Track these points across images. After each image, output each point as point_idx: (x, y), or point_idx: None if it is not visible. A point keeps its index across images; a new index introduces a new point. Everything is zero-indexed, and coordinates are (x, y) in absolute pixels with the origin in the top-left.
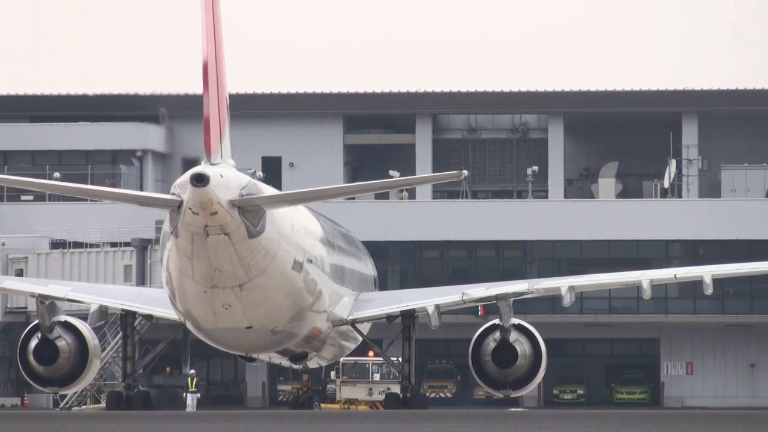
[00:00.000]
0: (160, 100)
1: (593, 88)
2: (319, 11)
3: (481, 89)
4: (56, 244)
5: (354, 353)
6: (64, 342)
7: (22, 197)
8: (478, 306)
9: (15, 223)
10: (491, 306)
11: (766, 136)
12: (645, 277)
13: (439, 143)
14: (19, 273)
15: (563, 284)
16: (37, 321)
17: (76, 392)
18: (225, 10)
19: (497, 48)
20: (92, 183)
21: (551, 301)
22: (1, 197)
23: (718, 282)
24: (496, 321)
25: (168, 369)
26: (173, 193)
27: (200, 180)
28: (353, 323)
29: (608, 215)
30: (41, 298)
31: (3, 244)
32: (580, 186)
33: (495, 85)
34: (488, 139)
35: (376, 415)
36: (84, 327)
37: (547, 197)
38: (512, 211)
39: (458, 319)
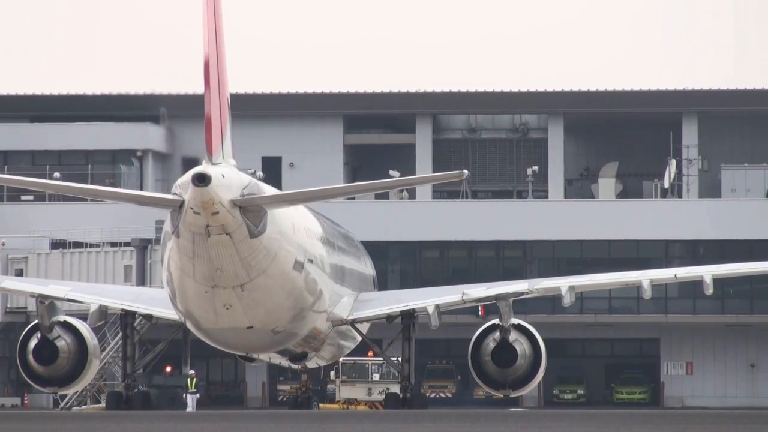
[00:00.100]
0: (160, 100)
1: (593, 88)
2: (319, 11)
3: (481, 89)
4: (56, 244)
5: (354, 353)
6: (63, 342)
7: (22, 197)
8: (478, 306)
9: (15, 223)
10: (491, 306)
11: (766, 136)
12: (645, 277)
13: (439, 143)
14: (19, 273)
15: (563, 284)
16: (36, 321)
17: (76, 392)
18: (225, 11)
19: (497, 48)
20: (92, 183)
21: (551, 301)
22: (1, 197)
23: (718, 282)
24: (496, 321)
25: (168, 369)
26: (174, 193)
27: (202, 180)
28: (353, 323)
29: (608, 215)
30: (41, 298)
31: (3, 244)
32: (580, 186)
33: (495, 85)
34: (488, 139)
35: (376, 415)
36: (83, 327)
37: (547, 197)
38: (512, 211)
39: (458, 319)
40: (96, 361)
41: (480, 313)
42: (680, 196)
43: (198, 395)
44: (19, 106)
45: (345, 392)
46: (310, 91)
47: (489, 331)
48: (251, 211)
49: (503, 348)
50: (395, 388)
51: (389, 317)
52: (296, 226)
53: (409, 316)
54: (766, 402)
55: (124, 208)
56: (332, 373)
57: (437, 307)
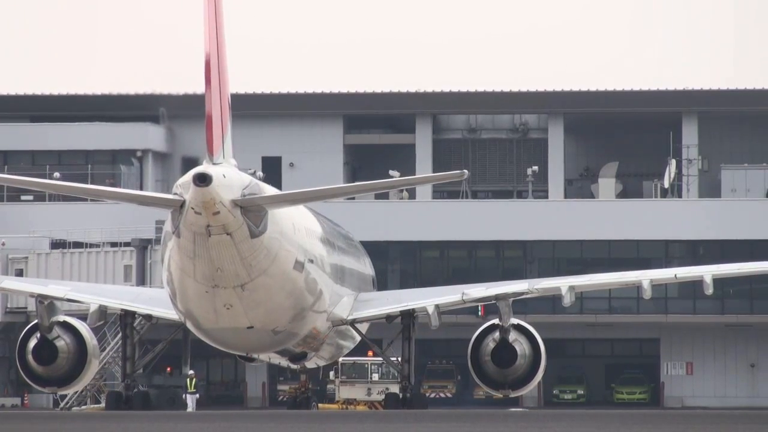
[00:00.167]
0: (160, 100)
1: (593, 88)
2: (319, 11)
3: (481, 89)
4: (56, 244)
5: (353, 353)
6: (63, 342)
7: (22, 197)
8: (478, 306)
9: (15, 223)
10: (491, 306)
11: (766, 136)
12: (645, 277)
13: (439, 143)
14: (19, 273)
15: (563, 284)
16: (35, 321)
17: (76, 392)
18: (225, 11)
19: (497, 48)
20: (92, 183)
21: (551, 301)
22: (1, 197)
23: (718, 282)
24: (495, 321)
25: (168, 369)
26: (175, 193)
27: (203, 180)
28: (353, 323)
29: (608, 215)
30: (40, 298)
31: (3, 244)
32: (580, 186)
33: (495, 85)
34: (488, 139)
35: (376, 415)
36: (83, 327)
37: (547, 197)
38: (512, 211)
39: (458, 319)
40: (95, 361)
41: (480, 313)
42: (680, 196)
43: (197, 395)
44: (19, 106)
45: (344, 392)
46: (310, 91)
47: (488, 331)
48: (252, 211)
49: (503, 348)
50: (394, 388)
51: (389, 317)
52: (296, 226)
53: (408, 316)
54: (766, 402)
55: (124, 209)
56: (332, 373)
57: (437, 307)
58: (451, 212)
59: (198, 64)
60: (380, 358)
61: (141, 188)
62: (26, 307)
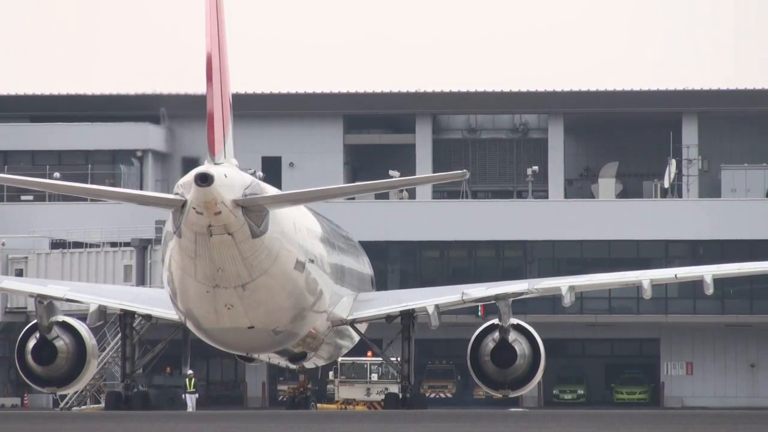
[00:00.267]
0: (160, 100)
1: (593, 88)
2: (319, 11)
3: (481, 89)
4: (56, 244)
5: (353, 353)
6: (62, 342)
7: (22, 197)
8: (478, 306)
9: (15, 223)
10: (491, 306)
11: (766, 136)
12: (645, 277)
13: (439, 143)
14: (19, 273)
15: (563, 284)
16: (35, 321)
17: (76, 392)
18: (225, 10)
19: (497, 48)
20: (92, 183)
21: (551, 301)
22: (1, 197)
23: (718, 282)
24: (495, 321)
25: (168, 369)
26: (176, 193)
27: (204, 179)
28: (353, 323)
29: (608, 215)
30: (40, 298)
31: (3, 244)
32: (580, 186)
33: (495, 85)
34: (488, 139)
35: (376, 415)
36: (82, 327)
37: (547, 197)
38: (512, 211)
39: (458, 319)
40: (94, 361)
41: (480, 313)
42: (680, 196)
43: (197, 395)
44: (19, 106)
45: (344, 392)
46: (310, 91)
47: (488, 331)
48: (253, 211)
49: (502, 348)
50: (394, 388)
51: (389, 317)
52: (297, 226)
53: (408, 316)
54: (766, 402)
55: (124, 209)
56: (331, 374)
57: (437, 307)
58: (451, 212)
59: (198, 64)
60: (379, 358)
61: (141, 188)
62: (26, 307)
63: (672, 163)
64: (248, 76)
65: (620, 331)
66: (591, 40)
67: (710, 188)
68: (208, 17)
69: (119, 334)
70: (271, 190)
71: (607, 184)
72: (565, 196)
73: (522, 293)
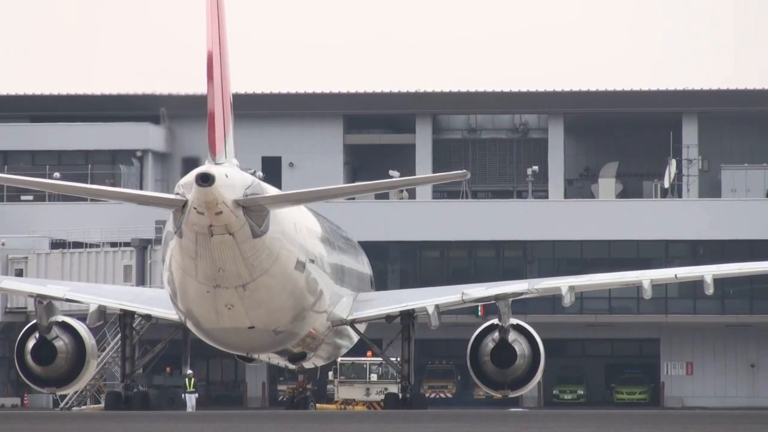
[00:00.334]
0: (160, 100)
1: (593, 88)
2: (319, 11)
3: (481, 89)
4: (56, 244)
5: (352, 353)
6: (61, 342)
7: (22, 197)
8: (478, 306)
9: (15, 223)
10: (491, 306)
11: (766, 136)
12: (645, 277)
13: (439, 143)
14: (19, 273)
15: (563, 284)
16: (34, 321)
17: (76, 392)
18: (225, 9)
19: (497, 48)
20: (92, 183)
21: (551, 301)
22: (1, 197)
23: (719, 282)
24: (494, 321)
25: (168, 369)
26: (178, 193)
27: (205, 180)
28: (353, 323)
29: (608, 215)
30: (39, 298)
31: (3, 244)
32: (580, 186)
33: (495, 85)
34: (488, 139)
35: (376, 415)
36: (81, 327)
37: (547, 197)
38: (512, 211)
39: (458, 319)
40: (94, 361)
41: (480, 313)
42: (680, 196)
43: (197, 395)
44: (19, 106)
45: (343, 392)
46: (310, 91)
47: (488, 331)
48: (254, 211)
49: (502, 348)
50: (393, 389)
51: (389, 317)
52: (298, 226)
53: (408, 316)
54: (766, 402)
55: (124, 208)
56: (330, 374)
57: (437, 307)
58: (451, 212)
59: (198, 65)
60: (379, 359)
61: (141, 188)
62: (26, 307)
63: (672, 163)
64: (248, 76)
65: (620, 331)
66: (591, 40)
67: (710, 188)
68: (209, 15)
69: (119, 334)
70: (271, 190)
71: (607, 184)
72: (565, 196)
73: (522, 293)
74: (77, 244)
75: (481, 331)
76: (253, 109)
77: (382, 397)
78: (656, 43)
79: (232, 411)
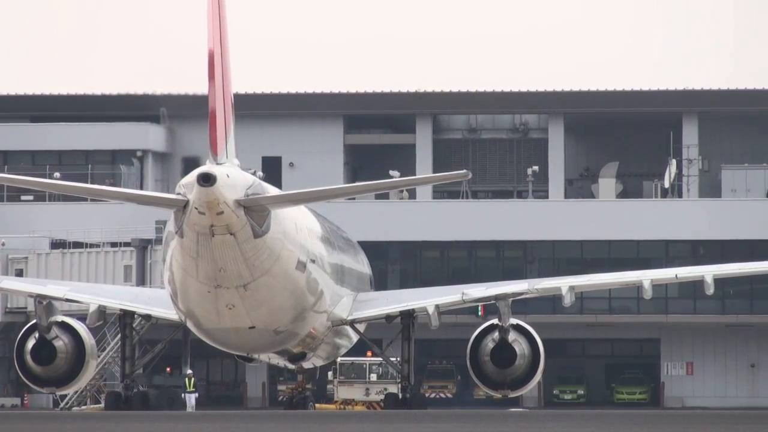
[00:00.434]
0: (160, 100)
1: (593, 88)
2: (319, 11)
3: (481, 89)
4: (56, 244)
5: (352, 353)
6: (61, 342)
7: (22, 197)
8: (477, 306)
9: (15, 223)
10: (491, 306)
11: (766, 136)
12: (645, 277)
13: (439, 143)
14: (19, 273)
15: (563, 284)
16: (34, 321)
17: (76, 392)
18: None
19: (497, 48)
20: (92, 183)
21: (551, 301)
22: (1, 197)
23: (719, 282)
24: (494, 321)
25: (168, 369)
26: (179, 193)
27: (207, 180)
28: (353, 323)
29: (608, 215)
30: (39, 298)
31: (3, 244)
32: (580, 186)
33: (495, 85)
34: (488, 139)
35: (376, 415)
36: (81, 327)
37: (547, 197)
38: (512, 211)
39: (458, 319)
40: (93, 361)
41: (480, 313)
42: (680, 196)
43: (197, 394)
44: (19, 106)
45: (342, 392)
46: (310, 91)
47: (488, 331)
48: (255, 211)
49: (502, 348)
50: (392, 389)
51: (389, 317)
52: (299, 226)
53: (408, 316)
54: (766, 402)
55: (124, 209)
56: (330, 374)
57: (437, 307)
58: (451, 212)
59: (199, 64)
60: (378, 359)
61: (141, 188)
62: (26, 308)
63: (672, 163)
64: (248, 76)
65: (620, 331)
66: (591, 40)
67: (710, 188)
68: (210, 13)
69: (119, 334)
70: (272, 191)
71: (607, 184)
72: (565, 196)
73: (522, 293)
74: (77, 244)
75: (480, 331)
76: (253, 109)
77: (382, 397)
78: (656, 43)
79: (232, 411)
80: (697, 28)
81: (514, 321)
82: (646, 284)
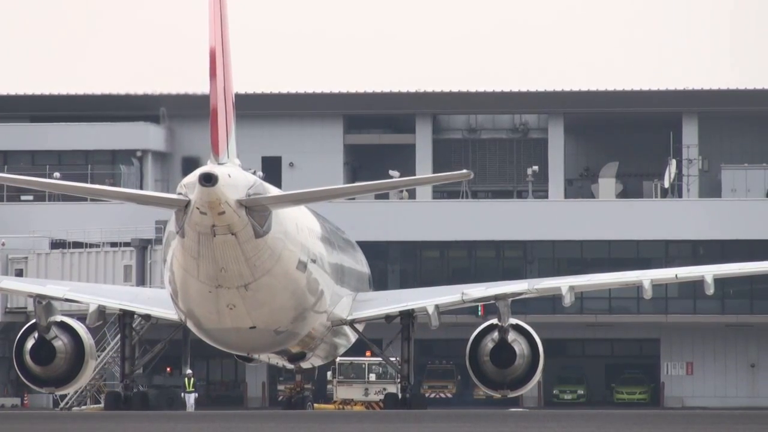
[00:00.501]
0: (160, 100)
1: (593, 88)
2: (319, 11)
3: (481, 89)
4: (56, 244)
5: (351, 353)
6: (60, 342)
7: (22, 197)
8: (478, 306)
9: (15, 223)
10: (491, 306)
11: (766, 136)
12: (646, 277)
13: (439, 143)
14: (19, 273)
15: (563, 284)
16: (33, 321)
17: (76, 392)
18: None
19: (497, 48)
20: (92, 183)
21: (551, 301)
22: (1, 197)
23: (719, 282)
24: (494, 321)
25: (168, 369)
26: (180, 193)
27: (208, 179)
28: (352, 323)
29: (608, 215)
30: (39, 298)
31: (3, 244)
32: (580, 186)
33: (495, 85)
34: (488, 139)
35: (376, 415)
36: (80, 327)
37: (547, 197)
38: (512, 211)
39: (458, 319)
40: (92, 361)
41: (480, 313)
42: (680, 196)
43: (196, 394)
44: (19, 106)
45: (342, 392)
46: (310, 91)
47: (487, 331)
48: (257, 211)
49: (502, 348)
50: (392, 388)
51: (388, 317)
52: (300, 226)
53: (408, 316)
54: (766, 402)
55: (124, 208)
56: (329, 374)
57: (437, 307)
58: (451, 212)
59: (198, 65)
60: (378, 358)
61: (141, 188)
62: (26, 308)
63: (672, 163)
64: (248, 76)
65: (620, 331)
66: (591, 40)
67: (710, 188)
68: (212, 12)
69: (119, 334)
70: (274, 191)
71: (607, 184)
72: (565, 196)
73: (522, 293)
74: (77, 244)
75: (480, 331)
76: (253, 109)
77: (381, 397)
78: (656, 43)
79: (232, 411)
80: (697, 28)
81: (513, 321)
82: (646, 284)
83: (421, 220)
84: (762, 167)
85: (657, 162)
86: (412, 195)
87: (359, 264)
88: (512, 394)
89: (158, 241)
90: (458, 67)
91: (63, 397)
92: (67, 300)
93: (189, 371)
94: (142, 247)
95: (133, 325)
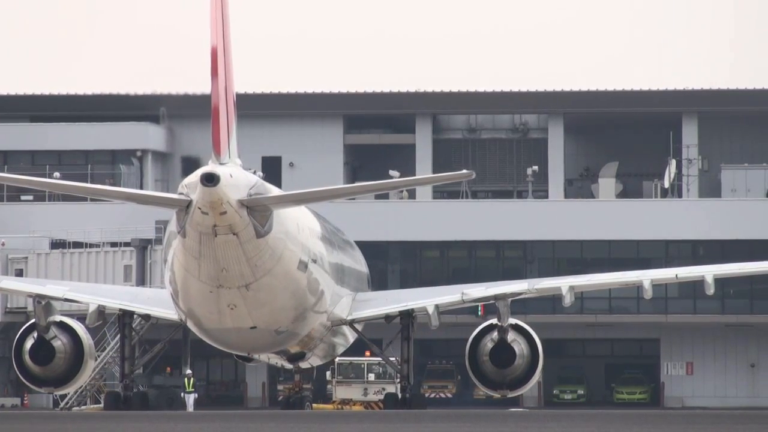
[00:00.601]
0: (160, 100)
1: (593, 88)
2: (319, 11)
3: (481, 89)
4: (56, 244)
5: (351, 353)
6: (60, 342)
7: (22, 197)
8: (477, 306)
9: (15, 223)
10: (491, 306)
11: (766, 136)
12: (646, 277)
13: (439, 143)
14: (19, 273)
15: (563, 284)
16: (32, 321)
17: (76, 392)
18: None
19: (497, 47)
20: (92, 183)
21: (551, 301)
22: (1, 197)
23: (719, 282)
24: (493, 321)
25: (168, 369)
26: (181, 193)
27: (210, 180)
28: (352, 323)
29: (608, 215)
30: (38, 298)
31: (3, 244)
32: (580, 186)
33: (495, 85)
34: (488, 139)
35: (376, 415)
36: (79, 327)
37: (547, 197)
38: (512, 211)
39: (458, 319)
40: (92, 361)
41: (480, 312)
42: (680, 196)
43: (196, 395)
44: (19, 106)
45: (341, 392)
46: (310, 91)
47: (487, 331)
48: (258, 211)
49: (501, 348)
50: (391, 388)
51: (388, 317)
52: (300, 226)
53: (408, 316)
54: (766, 402)
55: (124, 208)
56: (328, 374)
57: (437, 307)
58: (451, 212)
59: (199, 65)
60: (377, 358)
61: (141, 188)
62: (26, 307)
63: (672, 163)
64: (248, 76)
65: (620, 331)
66: (591, 40)
67: (710, 188)
68: (213, 11)
69: (119, 334)
70: (275, 191)
71: (607, 184)
72: (565, 196)
73: (522, 293)
74: (77, 244)
75: (479, 331)
76: (253, 109)
77: (380, 397)
78: (656, 43)
79: (232, 411)
80: (697, 28)
81: (513, 321)
82: (646, 284)
83: (421, 220)
84: (762, 167)
85: (657, 162)
86: (412, 195)
87: (358, 264)
88: (512, 394)
89: (158, 241)
90: (458, 67)
91: (63, 397)
92: (66, 300)
93: (189, 371)
94: (142, 247)
95: (133, 325)
